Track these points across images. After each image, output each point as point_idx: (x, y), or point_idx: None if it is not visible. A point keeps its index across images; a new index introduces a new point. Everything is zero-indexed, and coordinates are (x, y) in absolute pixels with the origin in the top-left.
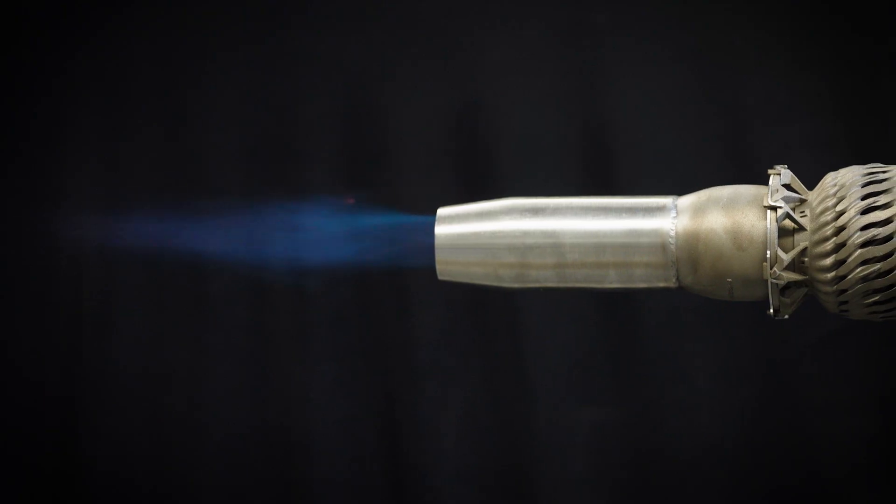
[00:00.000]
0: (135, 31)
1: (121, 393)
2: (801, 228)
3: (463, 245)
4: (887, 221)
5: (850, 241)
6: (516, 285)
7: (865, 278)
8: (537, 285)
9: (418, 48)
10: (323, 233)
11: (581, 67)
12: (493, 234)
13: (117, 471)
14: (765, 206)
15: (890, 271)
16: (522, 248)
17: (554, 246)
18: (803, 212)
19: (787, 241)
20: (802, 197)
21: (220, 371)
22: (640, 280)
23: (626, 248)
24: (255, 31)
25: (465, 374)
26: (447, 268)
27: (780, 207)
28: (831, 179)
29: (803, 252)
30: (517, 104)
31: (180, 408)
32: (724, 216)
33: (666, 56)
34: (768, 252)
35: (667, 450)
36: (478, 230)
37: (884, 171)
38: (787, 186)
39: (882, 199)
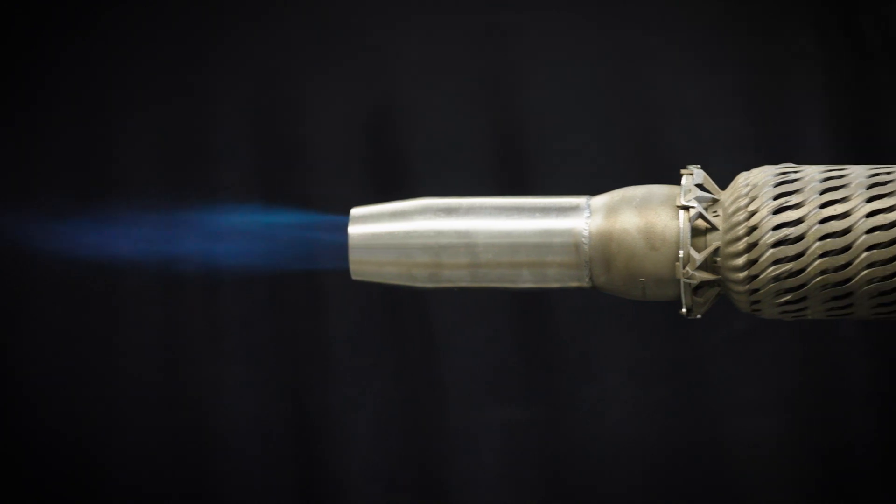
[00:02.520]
0: (47, 29)
1: (31, 391)
2: (713, 228)
3: (376, 245)
4: (798, 221)
5: (761, 241)
6: (430, 285)
7: (777, 278)
8: (451, 285)
9: (332, 48)
10: (236, 232)
11: (494, 68)
12: (407, 234)
13: (25, 469)
14: (677, 206)
15: (801, 271)
16: (436, 247)
17: (467, 246)
18: (716, 212)
19: (700, 240)
20: (715, 197)
21: (131, 370)
22: (553, 280)
23: (539, 248)
24: (167, 30)
25: (377, 373)
26: (361, 268)
27: (693, 207)
28: (743, 179)
29: (716, 252)
30: (431, 104)
31: (91, 406)
32: (637, 216)
33: (579, 56)
34: (681, 252)
35: (579, 450)
36: (391, 230)
37: (795, 172)
38: (700, 186)
39: (793, 200)
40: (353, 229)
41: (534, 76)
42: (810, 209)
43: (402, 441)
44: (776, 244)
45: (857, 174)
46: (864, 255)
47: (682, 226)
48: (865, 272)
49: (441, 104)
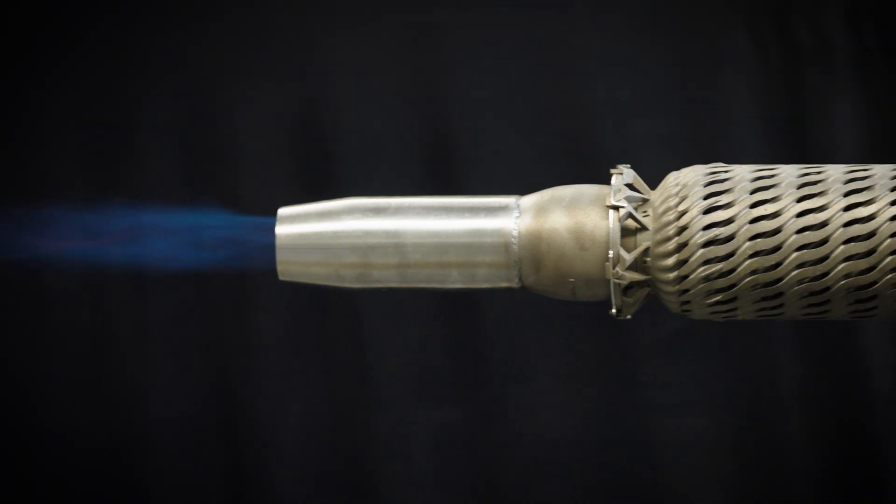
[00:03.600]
0: None
1: None
2: (643, 228)
3: (304, 245)
4: (729, 221)
5: (691, 241)
6: (358, 286)
7: (707, 278)
8: (380, 286)
9: (259, 46)
10: (162, 232)
11: (424, 66)
12: (335, 234)
13: None
14: (607, 206)
15: (731, 271)
16: (364, 248)
17: (396, 246)
18: (646, 211)
19: (630, 240)
20: (645, 196)
21: (57, 371)
22: (482, 280)
23: (468, 248)
24: (91, 29)
25: (306, 375)
26: (288, 268)
27: (623, 207)
28: (673, 179)
29: (646, 252)
30: (359, 103)
31: (17, 405)
32: (567, 216)
33: (509, 54)
34: (610, 252)
35: (510, 451)
36: (319, 230)
37: (725, 171)
38: (630, 186)
39: (724, 199)
40: (281, 229)
41: (464, 74)
42: (740, 209)
43: (332, 442)
44: (706, 244)
45: (788, 174)
46: (795, 255)
47: (611, 226)
48: (795, 272)
49: (370, 103)
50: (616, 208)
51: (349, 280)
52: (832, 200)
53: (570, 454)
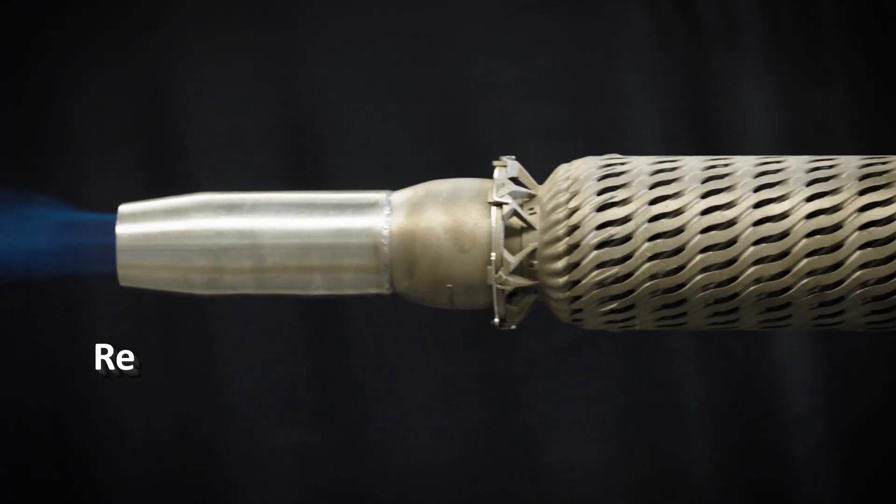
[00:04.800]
0: None
1: None
2: (529, 227)
3: (148, 247)
4: (625, 220)
5: (583, 242)
6: (209, 292)
7: (601, 283)
8: (233, 292)
9: (97, 28)
10: None
11: (281, 48)
12: (183, 235)
13: None
14: (489, 203)
15: (628, 275)
16: (216, 249)
17: (252, 248)
18: (533, 209)
19: (515, 241)
20: (532, 192)
21: None
22: (349, 286)
23: (333, 249)
24: None
25: (149, 392)
26: (130, 272)
27: (507, 204)
28: (564, 172)
29: (532, 254)
30: (210, 87)
31: None
32: (444, 214)
33: (378, 34)
34: (493, 254)
35: (379, 477)
36: (165, 230)
37: (622, 164)
38: (515, 180)
39: (620, 195)
40: (122, 229)
41: (328, 56)
42: (639, 206)
43: (177, 468)
44: (600, 245)
45: (692, 166)
46: (699, 257)
47: (494, 225)
48: (700, 277)
49: (222, 87)
50: (499, 205)
51: (199, 286)
52: (741, 196)
53: (445, 482)
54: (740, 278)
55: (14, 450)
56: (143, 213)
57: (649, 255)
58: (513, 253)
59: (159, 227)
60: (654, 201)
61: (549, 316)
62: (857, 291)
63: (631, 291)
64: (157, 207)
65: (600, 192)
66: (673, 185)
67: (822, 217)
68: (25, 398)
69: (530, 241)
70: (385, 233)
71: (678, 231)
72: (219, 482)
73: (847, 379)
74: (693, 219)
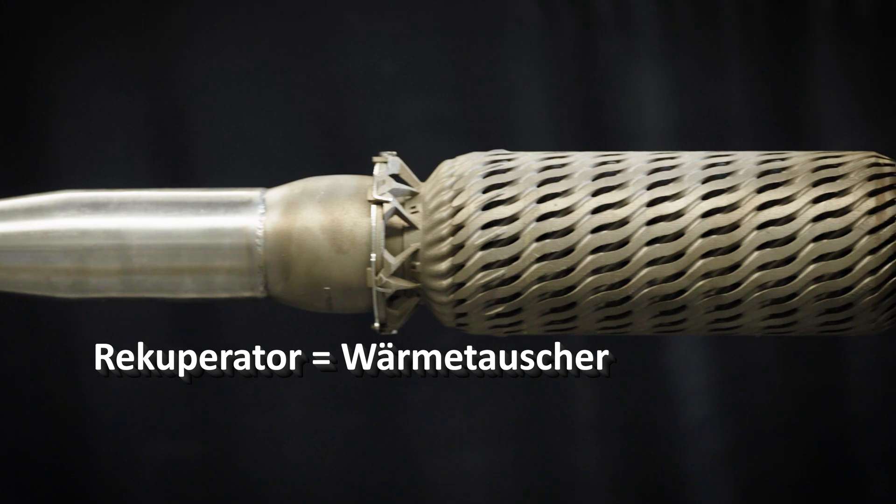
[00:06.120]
0: None
1: None
2: (412, 227)
3: (9, 247)
4: (512, 219)
5: (468, 243)
6: (73, 295)
7: (487, 286)
8: (99, 295)
9: None
10: None
11: (151, 37)
12: (46, 235)
13: None
14: (369, 201)
15: (515, 277)
16: (80, 250)
17: (118, 248)
18: (415, 207)
19: (396, 241)
20: (414, 190)
21: None
22: (221, 289)
23: (204, 250)
24: None
25: (10, 403)
26: None
27: (387, 202)
28: (448, 169)
29: (415, 255)
30: (77, 79)
31: None
32: (322, 212)
33: (250, 24)
34: (373, 255)
35: (255, 488)
36: (27, 229)
37: (509, 160)
38: (397, 177)
39: (506, 193)
40: None
41: (199, 46)
42: (526, 204)
43: (45, 479)
44: (486, 246)
45: (582, 163)
46: (590, 258)
47: (374, 224)
48: (591, 279)
49: (86, 80)
50: (379, 203)
51: (63, 289)
52: (634, 194)
53: (324, 492)
54: (633, 280)
55: None
56: (2, 212)
57: (538, 255)
58: (394, 254)
59: (20, 227)
60: (542, 199)
61: (434, 319)
62: (755, 294)
63: (518, 294)
64: (17, 206)
65: (486, 190)
66: (562, 182)
67: (718, 216)
68: None
69: (412, 242)
70: (259, 233)
71: (568, 231)
72: (88, 494)
73: (744, 386)
74: (583, 218)
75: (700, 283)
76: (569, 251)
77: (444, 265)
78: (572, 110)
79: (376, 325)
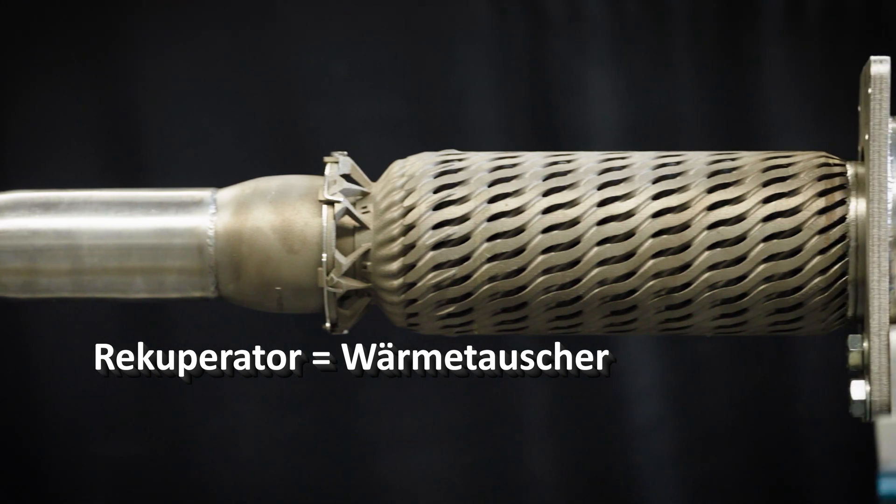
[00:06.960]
0: None
1: None
2: (363, 227)
3: None
4: (463, 219)
5: (419, 243)
6: (24, 295)
7: (438, 286)
8: (49, 296)
9: None
10: None
11: (101, 38)
12: None
13: None
14: (320, 201)
15: (466, 277)
16: (31, 250)
17: (69, 248)
18: (366, 207)
19: (347, 242)
20: (365, 189)
21: None
22: (171, 289)
23: (154, 250)
24: None
25: None
26: None
27: (338, 202)
28: (399, 169)
29: (366, 255)
30: (24, 78)
31: None
32: (273, 212)
33: (201, 24)
34: (324, 255)
35: (203, 489)
36: None
37: (460, 160)
38: (348, 177)
39: (457, 193)
40: None
41: (149, 45)
42: (477, 204)
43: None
44: (437, 246)
45: (533, 163)
46: (541, 258)
47: (325, 224)
48: (542, 279)
49: (37, 80)
50: (330, 203)
51: (13, 289)
52: (584, 194)
53: (276, 494)
54: (584, 280)
55: None
56: None
57: (488, 255)
58: (345, 254)
59: None
60: (493, 199)
61: (384, 320)
62: (706, 294)
63: (469, 294)
64: None
65: (437, 190)
66: (513, 182)
67: (669, 216)
68: None
69: (363, 242)
70: (210, 233)
71: (519, 231)
72: (41, 492)
73: (694, 386)
74: (534, 218)
75: (650, 282)
76: (520, 251)
77: (395, 265)
78: (523, 110)
79: (327, 325)
